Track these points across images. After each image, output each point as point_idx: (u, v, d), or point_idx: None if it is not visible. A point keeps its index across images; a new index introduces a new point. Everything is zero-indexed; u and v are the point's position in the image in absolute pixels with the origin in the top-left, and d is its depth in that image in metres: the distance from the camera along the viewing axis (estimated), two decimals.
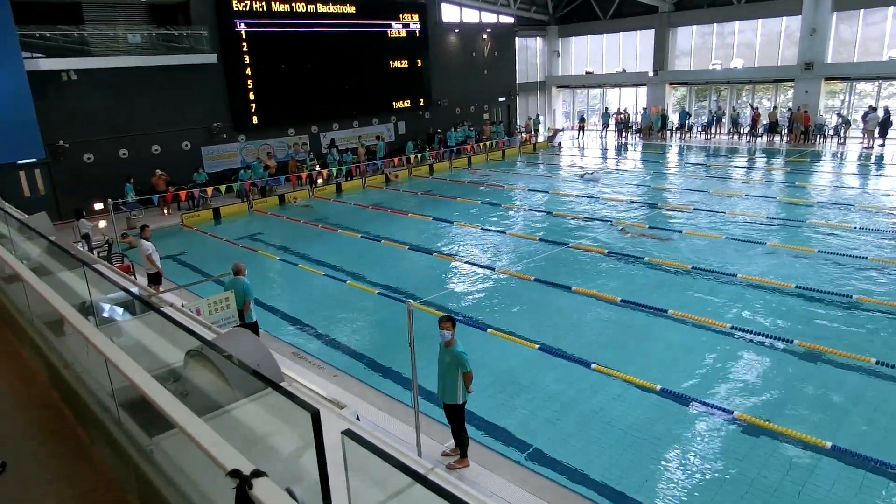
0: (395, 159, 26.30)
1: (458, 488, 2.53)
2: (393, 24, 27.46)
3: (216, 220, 19.73)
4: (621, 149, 31.20)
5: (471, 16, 32.07)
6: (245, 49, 22.76)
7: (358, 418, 4.19)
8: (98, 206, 18.96)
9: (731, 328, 9.67)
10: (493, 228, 16.54)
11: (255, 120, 23.52)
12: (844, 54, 27.91)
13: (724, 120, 31.43)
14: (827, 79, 28.19)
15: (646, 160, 26.97)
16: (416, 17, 28.25)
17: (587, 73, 36.93)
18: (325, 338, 10.31)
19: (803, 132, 27.77)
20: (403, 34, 27.94)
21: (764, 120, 29.89)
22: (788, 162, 24.11)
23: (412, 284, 12.67)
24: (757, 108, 30.43)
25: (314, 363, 9.28)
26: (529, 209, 18.63)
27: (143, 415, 3.22)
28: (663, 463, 6.71)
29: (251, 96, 23.21)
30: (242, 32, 22.60)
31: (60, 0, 19.24)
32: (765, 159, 25.55)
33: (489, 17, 32.90)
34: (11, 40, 16.44)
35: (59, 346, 4.55)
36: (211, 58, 21.52)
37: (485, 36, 32.43)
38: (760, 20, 30.02)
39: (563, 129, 37.04)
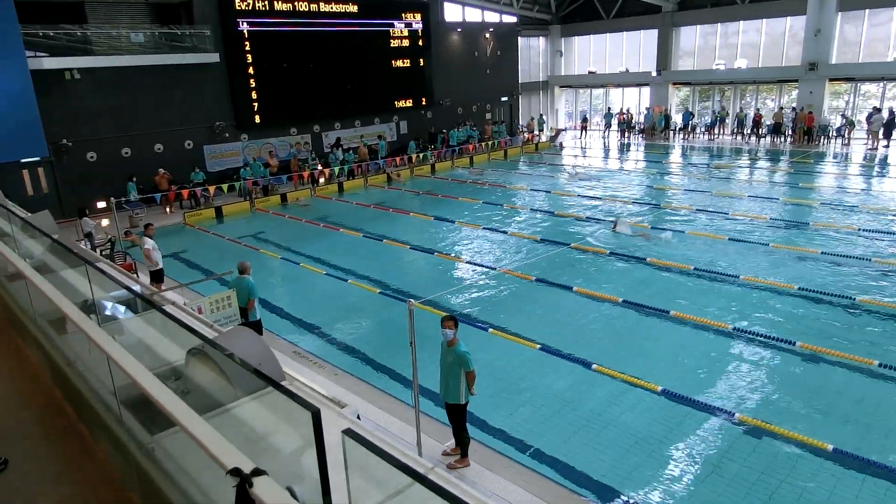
0: (398, 159, 26.32)
1: (459, 488, 2.54)
2: (395, 23, 27.46)
3: (218, 218, 19.77)
4: (624, 149, 31.17)
5: (473, 15, 32.07)
6: (247, 48, 22.78)
7: (358, 417, 4.20)
8: (101, 204, 19.00)
9: (733, 329, 9.67)
10: (494, 228, 16.54)
11: (257, 119, 23.55)
12: (849, 55, 27.85)
13: (727, 120, 31.39)
14: (831, 79, 28.15)
15: (648, 160, 26.94)
16: (418, 17, 28.26)
17: (590, 72, 36.90)
18: (327, 337, 10.33)
19: (806, 133, 27.73)
20: (406, 33, 27.95)
21: (768, 121, 29.87)
22: (792, 163, 24.07)
23: (413, 284, 12.69)
24: (759, 110, 30.38)
25: (315, 362, 9.29)
26: (531, 209, 18.62)
27: (144, 413, 3.24)
28: (664, 464, 6.71)
29: (253, 95, 23.24)
30: (245, 32, 22.62)
31: None
32: (768, 160, 25.52)
33: (492, 17, 32.90)
34: (15, 39, 16.50)
35: (61, 344, 4.57)
36: (213, 57, 21.55)
37: (487, 35, 32.42)
38: (764, 20, 29.97)
39: (565, 129, 37.03)
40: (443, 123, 30.19)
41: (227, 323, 8.72)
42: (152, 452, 3.04)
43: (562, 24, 37.03)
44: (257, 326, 9.36)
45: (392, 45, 27.50)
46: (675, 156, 28.22)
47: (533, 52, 37.50)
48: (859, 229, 14.56)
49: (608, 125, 34.56)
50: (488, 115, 33.47)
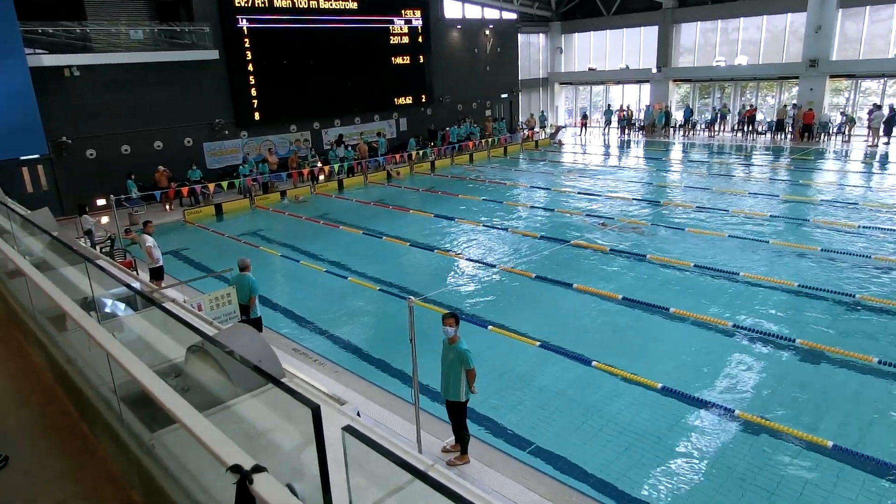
0: (397, 156, 26.32)
1: (459, 485, 2.54)
2: (395, 20, 27.42)
3: (218, 216, 19.76)
4: (624, 146, 31.15)
5: (473, 12, 32.02)
6: (247, 45, 22.75)
7: (359, 414, 4.20)
8: (101, 202, 19.00)
9: (733, 326, 9.67)
10: (494, 225, 16.54)
11: (256, 116, 23.53)
12: (850, 51, 27.82)
13: (728, 117, 31.36)
14: (832, 76, 28.11)
15: (648, 158, 26.93)
16: (418, 13, 28.21)
17: (590, 69, 36.87)
18: (326, 334, 10.33)
19: (806, 130, 27.70)
20: (406, 30, 27.91)
21: (768, 117, 29.85)
22: (792, 160, 24.06)
23: (413, 281, 12.69)
24: (753, 106, 30.35)
25: (315, 359, 9.30)
26: (531, 206, 18.62)
27: (144, 410, 3.24)
28: (663, 460, 6.72)
29: (253, 92, 23.21)
30: (244, 28, 22.59)
31: None
32: (768, 157, 25.50)
33: (492, 13, 32.85)
34: (14, 36, 16.49)
35: (61, 342, 4.57)
36: (213, 54, 21.53)
37: (487, 32, 32.37)
38: (765, 17, 29.93)
39: (565, 126, 36.99)
40: (442, 120, 30.17)
41: (227, 320, 8.73)
42: (153, 449, 3.05)
43: (562, 20, 36.98)
44: (257, 324, 9.37)
45: (392, 41, 27.47)
46: (676, 153, 28.19)
47: (533, 49, 37.46)
48: (859, 226, 14.56)
49: (608, 122, 34.53)
50: (488, 113, 33.43)
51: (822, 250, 12.97)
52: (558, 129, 35.11)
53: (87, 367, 4.06)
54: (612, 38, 35.96)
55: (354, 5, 25.55)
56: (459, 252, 14.46)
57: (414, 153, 26.45)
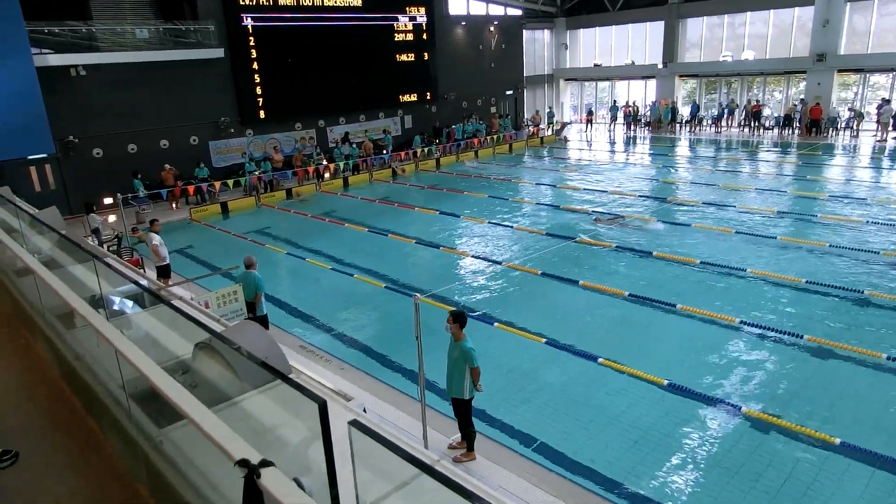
0: (402, 153, 26.32)
1: (465, 480, 2.55)
2: (399, 17, 27.41)
3: (224, 214, 19.83)
4: (630, 142, 31.06)
5: (478, 8, 31.97)
6: (252, 43, 22.79)
7: (365, 411, 4.22)
8: (107, 200, 19.09)
9: (740, 323, 9.65)
10: (500, 222, 16.54)
11: (261, 114, 23.58)
12: (858, 45, 27.62)
13: (735, 113, 31.21)
14: (840, 70, 27.93)
15: (654, 154, 26.85)
16: (422, 10, 28.18)
17: (595, 65, 36.75)
18: (332, 331, 10.37)
19: (814, 125, 27.53)
20: (410, 27, 27.89)
21: (776, 113, 29.68)
22: (800, 155, 23.94)
23: (419, 278, 12.72)
24: (759, 102, 30.18)
25: (321, 356, 9.34)
26: (537, 203, 18.60)
27: (152, 406, 3.27)
28: (670, 457, 6.72)
29: (258, 91, 23.26)
30: (249, 27, 22.63)
31: None
32: (776, 153, 25.38)
33: (496, 10, 32.78)
34: (21, 36, 16.58)
35: (69, 339, 4.61)
36: (218, 52, 21.59)
37: (492, 28, 32.32)
38: (772, 11, 29.73)
39: (570, 123, 36.90)
40: (447, 117, 30.16)
41: (233, 317, 8.77)
42: (161, 445, 3.07)
43: (567, 16, 36.85)
44: (264, 321, 9.41)
45: (396, 39, 27.46)
46: (682, 149, 28.09)
47: (538, 46, 37.36)
48: (868, 221, 14.48)
49: (614, 118, 34.43)
50: (493, 109, 33.39)
51: (830, 246, 12.91)
52: (564, 125, 35.03)
53: (95, 363, 4.09)
54: (617, 33, 35.82)
55: (359, 2, 25.56)
56: (465, 249, 14.47)
57: (419, 150, 26.45)
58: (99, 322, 3.28)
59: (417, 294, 6.76)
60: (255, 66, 23.00)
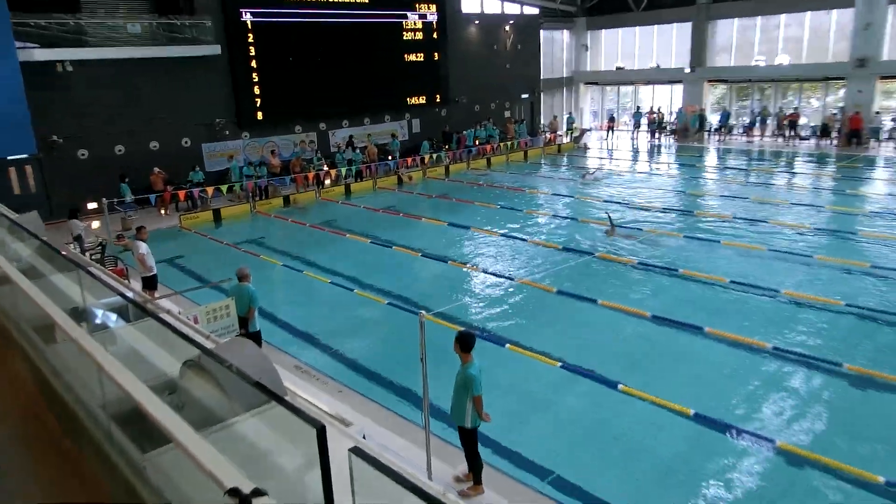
0: (409, 159, 26.43)
1: None
2: (409, 14, 27.64)
3: (216, 222, 19.93)
4: (654, 151, 31.06)
5: (493, 6, 32.20)
6: (251, 40, 23.04)
7: (364, 437, 4.20)
8: (92, 205, 19.23)
9: (774, 349, 9.56)
10: (513, 235, 16.53)
11: (259, 116, 23.77)
12: None
13: (768, 121, 31.17)
14: (882, 77, 27.88)
15: (681, 164, 26.82)
16: (433, 8, 28.42)
17: (618, 68, 36.88)
18: (331, 350, 10.35)
19: (853, 135, 27.43)
20: (420, 25, 28.12)
21: (812, 122, 29.63)
22: (839, 168, 23.85)
23: (425, 294, 12.69)
24: (796, 110, 30.12)
25: (317, 377, 9.32)
26: (553, 215, 18.60)
27: (136, 428, 3.25)
28: (696, 494, 6.63)
29: (256, 91, 23.46)
30: (248, 23, 22.88)
31: None
32: (812, 164, 25.30)
33: (512, 8, 33.01)
34: (5, 29, 16.77)
35: (48, 354, 4.61)
36: (215, 49, 21.81)
37: (507, 28, 32.53)
38: (809, 13, 29.80)
39: (590, 129, 36.98)
40: (458, 122, 30.28)
41: (224, 334, 8.76)
42: (144, 471, 3.05)
43: (587, 16, 37.06)
44: (257, 338, 9.41)
45: (405, 37, 27.69)
46: (711, 159, 28.04)
47: (556, 47, 37.55)
48: None
49: (637, 125, 34.47)
50: (507, 114, 33.52)
51: (871, 266, 12.81)
52: (583, 132, 35.12)
53: (75, 380, 4.09)
54: (641, 35, 35.97)
55: None
56: (475, 264, 14.45)
57: (427, 157, 26.55)
58: (80, 336, 3.28)
59: (423, 311, 6.74)
60: (254, 64, 23.23)
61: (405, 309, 11.70)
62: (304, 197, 22.31)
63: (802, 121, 30.04)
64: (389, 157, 26.29)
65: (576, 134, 34.36)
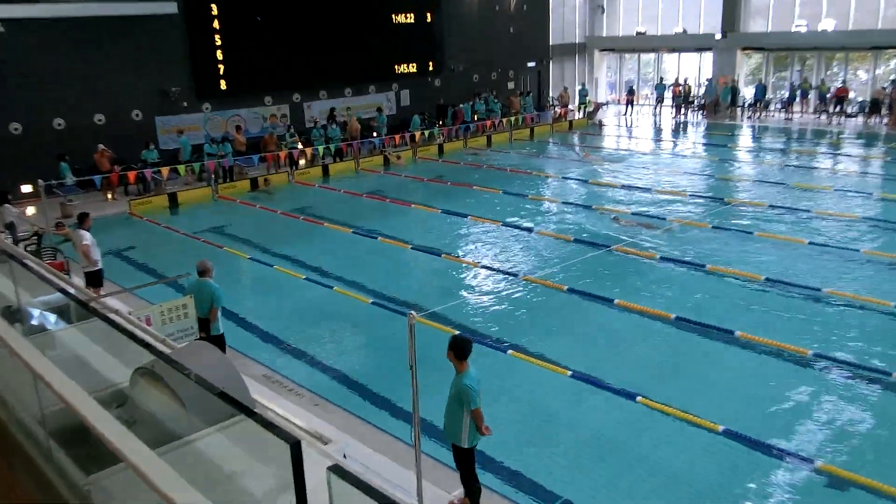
0: (397, 137, 26.37)
1: None
2: None
3: (172, 207, 19.86)
4: (679, 129, 31.08)
5: None
6: None
7: (345, 456, 4.20)
8: (26, 188, 19.10)
9: (814, 356, 9.60)
10: (517, 225, 16.54)
11: (222, 85, 23.64)
12: None
13: (809, 95, 31.24)
14: None
15: (710, 144, 26.87)
16: None
17: (638, 33, 36.86)
18: (306, 357, 10.34)
19: None
20: None
21: (860, 96, 29.72)
22: (889, 149, 23.94)
23: (415, 293, 12.70)
24: (845, 83, 30.17)
25: (291, 388, 9.31)
26: (563, 202, 18.61)
27: (79, 446, 3.24)
28: None
29: (219, 55, 23.32)
30: None
31: None
32: (860, 145, 25.39)
33: None
34: None
35: None
36: (170, 7, 21.68)
37: None
38: None
39: (607, 104, 36.98)
40: (455, 94, 30.21)
41: (182, 337, 8.75)
42: (88, 496, 3.05)
43: None
44: (220, 342, 9.37)
45: None
46: (744, 138, 28.08)
47: (568, 8, 37.49)
48: None
49: (660, 99, 34.48)
50: (511, 85, 33.47)
51: None
52: (598, 106, 35.12)
53: (7, 391, 4.07)
54: None
55: None
56: (473, 258, 14.46)
57: (418, 134, 26.50)
58: (14, 339, 3.26)
59: (413, 312, 6.72)
60: (216, 24, 23.09)
61: (392, 309, 11.69)
62: (274, 179, 22.24)
63: (850, 95, 30.12)
64: (374, 134, 26.24)
65: (590, 109, 34.36)
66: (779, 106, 32.06)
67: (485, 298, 12.37)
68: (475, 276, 13.56)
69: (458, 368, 6.60)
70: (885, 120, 28.40)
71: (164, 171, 20.60)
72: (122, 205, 19.64)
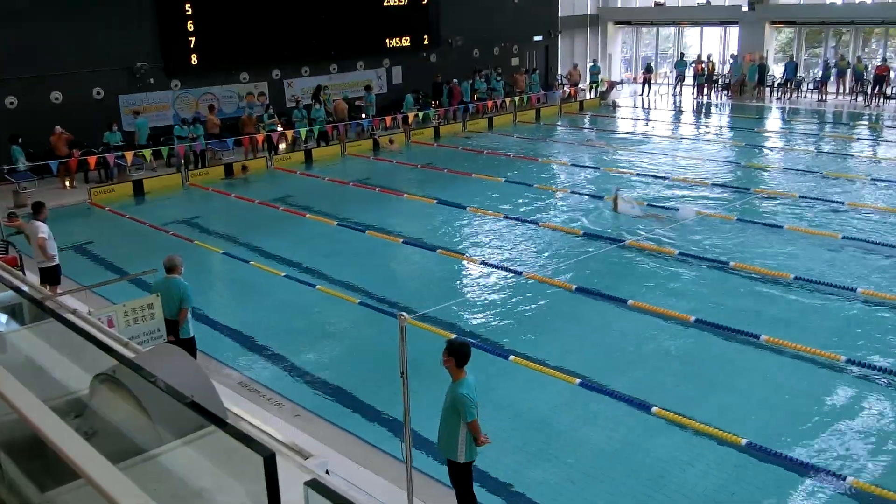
0: (388, 119, 26.34)
1: None
2: None
3: (137, 196, 19.84)
4: (702, 110, 31.09)
5: None
6: None
7: (328, 472, 4.22)
8: None
9: (847, 362, 9.64)
10: (520, 217, 16.56)
11: (194, 59, 23.56)
12: None
13: (846, 74, 31.24)
14: None
15: (735, 127, 26.89)
16: None
17: (657, 4, 36.84)
18: (285, 363, 10.34)
19: None
20: None
21: None
22: None
23: (407, 292, 12.71)
24: (885, 61, 30.21)
25: (269, 398, 9.32)
26: (572, 191, 18.62)
27: (33, 461, 3.26)
28: None
29: (190, 27, 23.23)
30: None
31: None
32: None
33: None
34: None
35: None
36: None
37: None
38: None
39: (621, 83, 36.97)
40: (452, 71, 30.13)
41: (147, 340, 8.75)
42: None
43: None
44: (189, 346, 9.39)
45: None
46: (773, 121, 28.10)
47: None
48: None
49: (680, 78, 34.48)
50: (515, 61, 33.43)
51: None
52: (611, 85, 35.11)
53: None
54: None
55: None
56: (471, 253, 14.47)
57: (411, 115, 26.47)
58: None
59: (404, 314, 6.74)
60: None
61: (381, 310, 11.70)
62: (251, 165, 22.21)
63: (891, 75, 30.15)
64: (363, 116, 26.20)
65: (602, 88, 34.35)
66: (811, 86, 32.03)
67: (484, 298, 12.38)
68: (473, 274, 13.58)
69: (455, 376, 6.61)
70: None
71: (129, 155, 20.54)
72: (82, 193, 19.59)
